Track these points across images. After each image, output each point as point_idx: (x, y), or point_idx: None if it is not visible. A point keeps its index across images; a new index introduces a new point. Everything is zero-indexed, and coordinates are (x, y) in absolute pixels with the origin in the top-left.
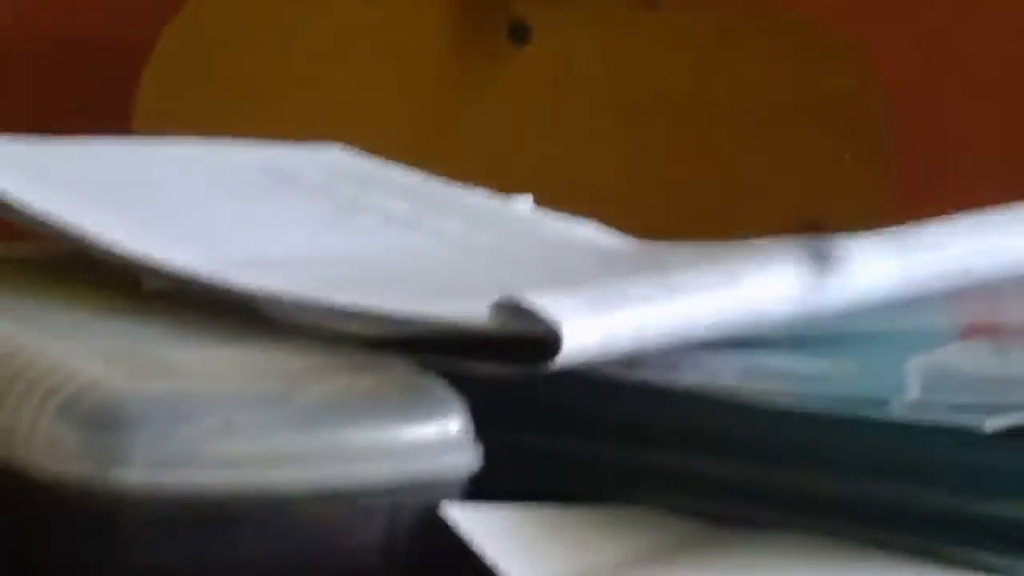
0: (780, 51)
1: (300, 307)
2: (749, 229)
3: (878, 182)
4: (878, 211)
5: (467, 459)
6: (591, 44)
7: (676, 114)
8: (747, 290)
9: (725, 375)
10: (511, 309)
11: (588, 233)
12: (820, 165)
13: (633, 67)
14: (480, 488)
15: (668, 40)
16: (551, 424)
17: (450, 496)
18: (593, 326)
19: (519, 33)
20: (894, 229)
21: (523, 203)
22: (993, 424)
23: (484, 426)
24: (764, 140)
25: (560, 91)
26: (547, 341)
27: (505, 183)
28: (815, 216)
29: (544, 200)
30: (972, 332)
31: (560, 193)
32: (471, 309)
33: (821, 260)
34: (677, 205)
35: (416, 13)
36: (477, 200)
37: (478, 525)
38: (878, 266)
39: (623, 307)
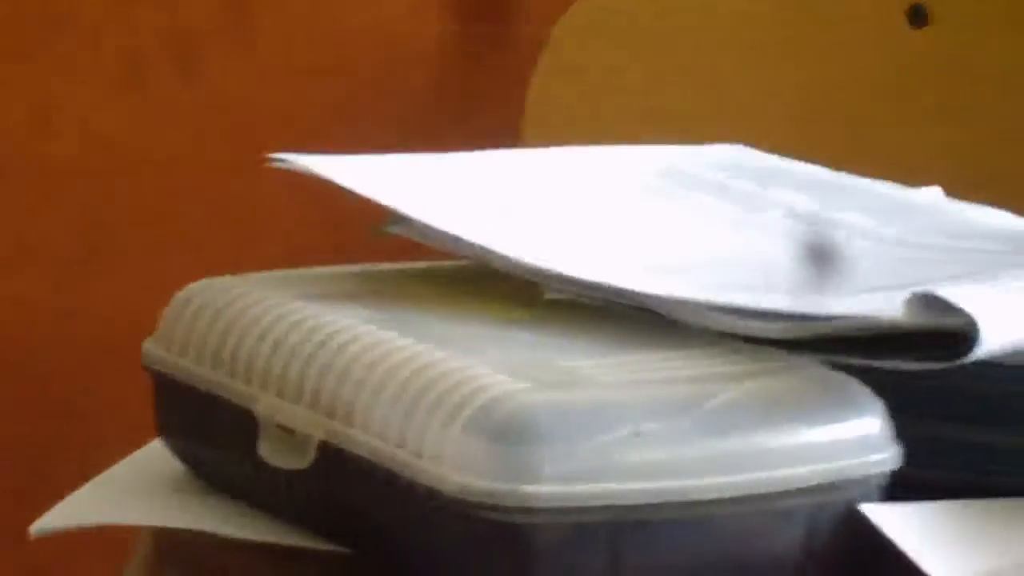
0: None
1: (705, 311)
2: None
3: None
4: None
5: (887, 457)
6: (993, 27)
7: None
8: None
9: None
10: (926, 303)
11: (999, 220)
12: None
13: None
14: (898, 484)
15: None
16: (968, 415)
17: (870, 495)
18: (1009, 316)
19: (917, 16)
20: None
21: (930, 193)
22: None
23: (900, 421)
24: None
25: (960, 76)
26: (962, 333)
27: (910, 173)
28: None
29: (953, 190)
30: None
31: (966, 181)
32: (883, 304)
33: None
34: None
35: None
36: (883, 191)
37: (899, 523)
38: None
39: None
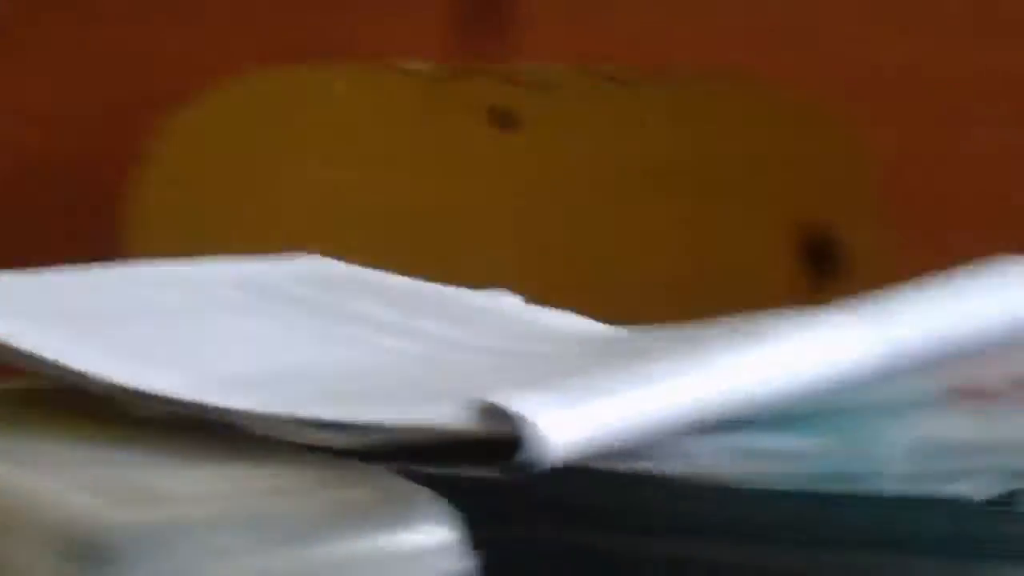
0: (756, 117)
1: (281, 423)
2: (740, 300)
3: (872, 239)
4: (877, 266)
5: (460, 564)
6: (576, 127)
7: (662, 190)
8: (725, 374)
9: (710, 459)
10: (487, 410)
11: (574, 324)
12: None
13: (619, 146)
14: None
15: (650, 116)
16: (542, 519)
17: None
18: (569, 422)
19: (504, 119)
20: (867, 300)
21: (508, 297)
22: (983, 491)
23: (475, 526)
24: (750, 207)
25: (546, 175)
26: (525, 440)
27: (498, 273)
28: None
29: (536, 286)
30: (956, 395)
31: (552, 278)
32: (450, 412)
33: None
34: (667, 282)
35: (393, 98)
36: (461, 298)
37: None
38: (855, 341)
39: (600, 400)
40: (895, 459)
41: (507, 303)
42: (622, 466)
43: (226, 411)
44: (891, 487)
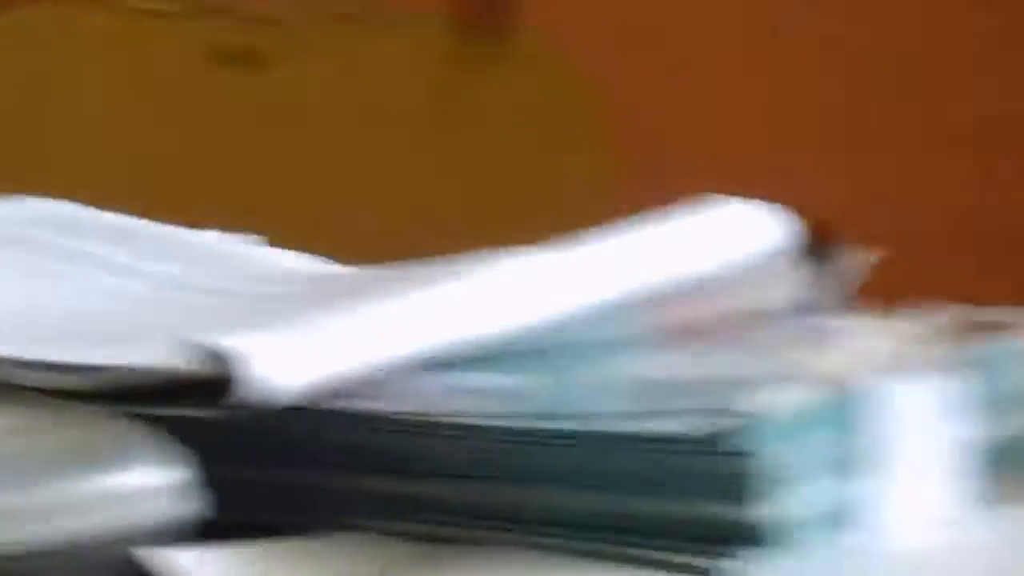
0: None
1: (8, 365)
2: (481, 243)
3: (599, 183)
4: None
5: (187, 503)
6: (325, 68)
7: (407, 132)
8: (443, 312)
9: (427, 397)
10: (202, 349)
11: (300, 264)
12: (545, 169)
13: (366, 88)
14: (206, 528)
15: (397, 58)
16: (265, 457)
17: (166, 542)
18: (288, 361)
19: (253, 61)
20: (583, 239)
21: (242, 238)
22: (692, 429)
23: (203, 465)
24: (495, 154)
25: (296, 117)
26: (238, 379)
27: (243, 212)
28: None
29: (281, 227)
30: (668, 334)
31: (296, 221)
32: (166, 352)
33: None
34: (412, 224)
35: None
36: (190, 238)
37: (190, 568)
38: (571, 279)
39: (320, 339)
40: (607, 397)
41: (241, 243)
42: (340, 404)
43: None
44: (601, 425)
